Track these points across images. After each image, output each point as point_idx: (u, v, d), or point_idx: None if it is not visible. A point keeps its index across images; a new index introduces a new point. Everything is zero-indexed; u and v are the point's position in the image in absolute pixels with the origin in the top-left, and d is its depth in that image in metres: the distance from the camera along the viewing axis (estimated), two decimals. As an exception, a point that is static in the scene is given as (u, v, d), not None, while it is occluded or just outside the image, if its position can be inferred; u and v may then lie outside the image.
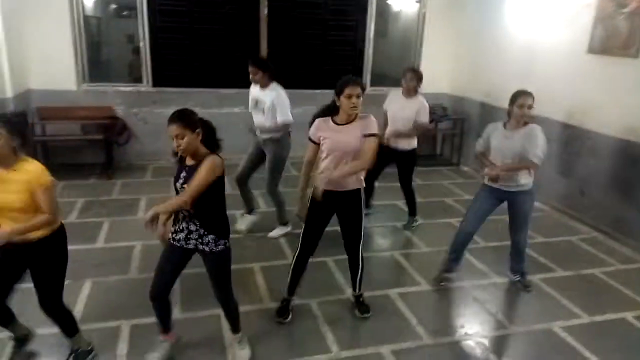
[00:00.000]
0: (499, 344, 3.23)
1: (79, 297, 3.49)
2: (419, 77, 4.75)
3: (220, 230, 2.69)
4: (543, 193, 5.90)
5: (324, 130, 3.12)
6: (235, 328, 2.97)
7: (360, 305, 3.50)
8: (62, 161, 6.37)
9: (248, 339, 3.04)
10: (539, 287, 3.96)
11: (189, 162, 2.62)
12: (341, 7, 7.31)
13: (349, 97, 2.99)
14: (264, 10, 6.93)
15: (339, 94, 3.05)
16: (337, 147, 3.08)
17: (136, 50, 6.75)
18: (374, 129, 3.09)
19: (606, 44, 4.97)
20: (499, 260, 4.27)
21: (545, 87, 5.77)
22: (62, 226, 2.67)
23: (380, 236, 4.93)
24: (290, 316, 3.37)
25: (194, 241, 2.68)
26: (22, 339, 2.94)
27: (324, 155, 3.14)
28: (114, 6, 7.04)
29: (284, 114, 4.34)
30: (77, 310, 3.32)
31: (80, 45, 6.40)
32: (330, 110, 3.17)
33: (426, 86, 7.67)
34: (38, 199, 2.45)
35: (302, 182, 3.27)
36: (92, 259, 4.05)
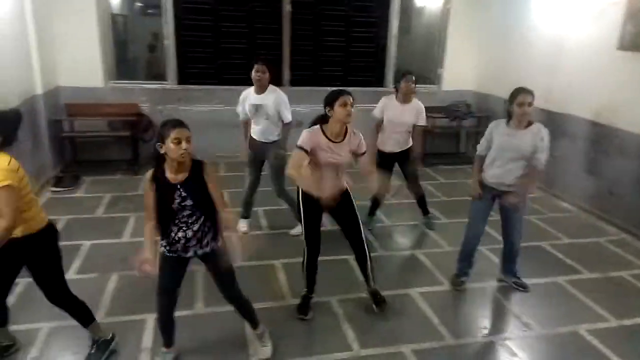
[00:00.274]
0: (522, 346, 3.18)
1: (106, 290, 3.57)
2: (416, 81, 4.65)
3: (217, 227, 2.71)
4: (569, 193, 5.80)
5: (318, 144, 3.13)
6: (254, 323, 2.99)
7: (377, 300, 3.49)
8: (90, 157, 6.52)
9: (270, 335, 3.07)
10: (564, 289, 3.89)
11: (178, 176, 2.52)
12: (364, 4, 7.28)
13: (344, 105, 3.04)
14: (287, 7, 6.94)
15: (332, 103, 3.08)
16: (331, 162, 3.17)
17: (152, 48, 6.87)
18: (364, 148, 3.28)
19: (636, 40, 4.83)
20: (524, 261, 4.20)
21: (573, 84, 5.68)
22: (49, 224, 2.64)
23: (401, 235, 4.90)
24: (310, 313, 3.38)
25: (192, 248, 2.65)
26: (3, 348, 2.85)
27: (312, 164, 3.19)
28: (139, 4, 7.15)
29: (289, 112, 4.36)
30: (104, 303, 3.40)
31: (107, 43, 6.53)
32: (319, 121, 3.22)
33: (450, 83, 7.68)
34: None
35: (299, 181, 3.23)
36: (119, 253, 4.13)
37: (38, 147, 5.64)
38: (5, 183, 2.29)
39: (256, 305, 3.42)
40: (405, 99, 4.60)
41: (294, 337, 3.17)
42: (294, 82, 7.09)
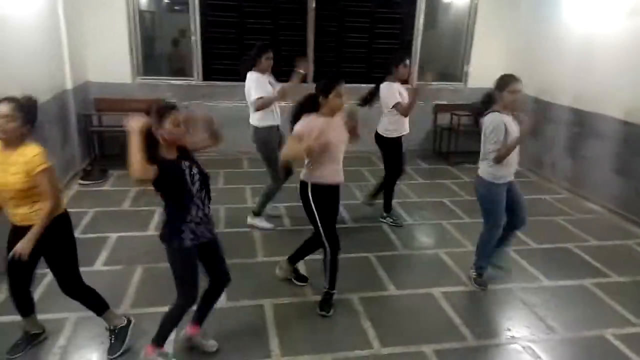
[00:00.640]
0: (546, 349, 3.13)
1: (131, 283, 3.64)
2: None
3: None
4: (597, 194, 5.66)
5: (320, 127, 3.10)
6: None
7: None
8: (117, 151, 6.64)
9: (287, 331, 3.07)
10: (591, 292, 3.81)
11: (174, 154, 2.54)
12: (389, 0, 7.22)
13: (340, 95, 3.08)
14: (312, 4, 6.94)
15: (328, 92, 3.08)
16: (334, 142, 3.16)
17: (178, 44, 6.97)
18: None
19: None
20: (550, 263, 4.14)
21: (604, 83, 5.53)
22: (65, 212, 2.71)
23: (424, 234, 4.86)
24: (332, 310, 3.39)
25: (209, 229, 2.68)
26: (32, 336, 2.92)
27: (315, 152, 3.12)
28: (167, 1, 7.24)
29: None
30: (129, 295, 3.47)
31: (135, 40, 6.64)
32: (305, 107, 3.19)
33: (476, 80, 7.56)
34: (37, 182, 2.49)
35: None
36: (144, 246, 4.20)
37: (67, 140, 5.77)
38: (47, 165, 2.49)
39: (276, 301, 3.47)
40: (405, 80, 4.71)
41: (314, 333, 3.18)
42: (317, 78, 7.08)
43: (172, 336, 2.87)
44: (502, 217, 3.67)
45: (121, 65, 6.59)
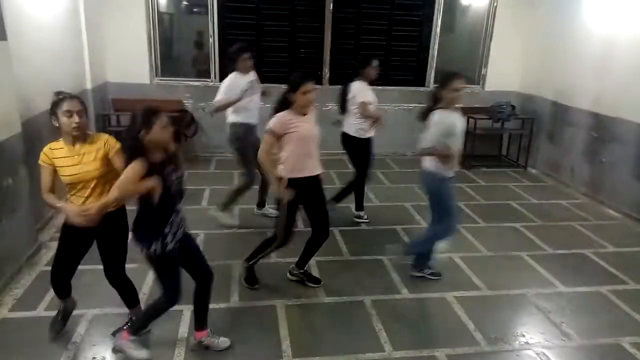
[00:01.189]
0: (561, 356, 3.08)
1: (145, 282, 3.67)
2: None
3: None
4: (616, 199, 5.56)
5: (292, 122, 3.25)
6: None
7: (309, 278, 3.71)
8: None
9: (298, 333, 3.07)
10: (607, 299, 3.74)
11: (160, 158, 2.55)
12: (407, 2, 7.21)
13: (306, 92, 3.18)
14: (329, 6, 6.96)
15: (294, 89, 3.19)
16: (307, 135, 3.30)
17: (197, 46, 7.06)
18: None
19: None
20: (566, 268, 4.08)
21: (625, 87, 5.43)
22: (124, 206, 2.83)
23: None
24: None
25: (184, 226, 2.71)
26: (68, 314, 3.08)
27: (289, 146, 3.27)
28: (185, 3, 7.33)
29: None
30: (143, 294, 3.50)
31: (154, 41, 6.73)
32: (282, 105, 3.30)
33: (494, 83, 7.50)
34: (114, 163, 2.66)
35: (273, 170, 3.34)
36: (158, 245, 4.25)
37: (86, 140, 5.86)
38: (119, 145, 2.67)
39: (288, 302, 3.47)
40: (372, 80, 4.69)
41: (326, 335, 3.18)
42: (333, 81, 7.09)
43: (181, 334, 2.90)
44: (454, 209, 3.70)
45: (140, 66, 6.69)
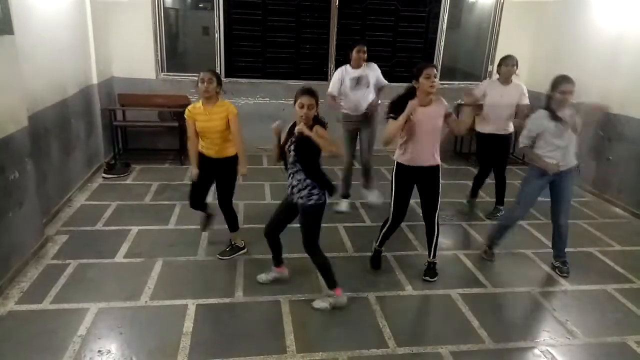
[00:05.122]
0: (566, 354, 3.07)
1: (150, 275, 3.69)
2: (517, 63, 4.87)
3: (314, 185, 3.16)
4: (623, 198, 5.53)
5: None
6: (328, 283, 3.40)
7: (430, 271, 3.83)
8: (139, 146, 6.75)
9: (302, 328, 3.08)
10: (613, 298, 3.72)
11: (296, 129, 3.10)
12: (414, -2, 7.18)
13: (429, 77, 3.45)
14: (336, 1, 6.93)
15: (418, 75, 3.53)
16: (430, 126, 3.55)
17: (202, 42, 7.04)
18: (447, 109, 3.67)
19: None
20: (572, 267, 4.05)
21: (632, 85, 5.39)
22: (235, 154, 3.80)
23: (444, 235, 4.77)
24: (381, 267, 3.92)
25: (295, 195, 3.20)
26: (209, 217, 4.19)
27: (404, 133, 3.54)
28: (191, -2, 7.33)
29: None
30: (148, 287, 3.51)
31: (159, 36, 6.72)
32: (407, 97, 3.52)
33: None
34: (231, 123, 3.68)
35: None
36: (164, 240, 4.27)
37: (92, 134, 5.89)
38: (237, 111, 3.72)
39: (292, 297, 3.47)
40: (506, 81, 4.86)
41: (330, 330, 3.18)
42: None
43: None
44: (522, 201, 4.04)
45: (145, 61, 6.69)
